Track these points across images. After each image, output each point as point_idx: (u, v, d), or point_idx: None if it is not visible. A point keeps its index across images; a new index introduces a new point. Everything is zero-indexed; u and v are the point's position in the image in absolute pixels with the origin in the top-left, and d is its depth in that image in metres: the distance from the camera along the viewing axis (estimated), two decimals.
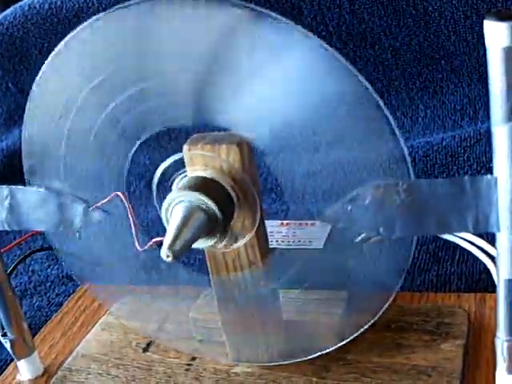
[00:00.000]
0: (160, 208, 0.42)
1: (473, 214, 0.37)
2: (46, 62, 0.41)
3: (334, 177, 0.40)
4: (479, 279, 0.57)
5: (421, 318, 0.50)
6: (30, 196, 0.45)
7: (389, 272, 0.43)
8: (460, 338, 0.48)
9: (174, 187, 0.42)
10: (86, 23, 0.39)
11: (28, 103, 0.43)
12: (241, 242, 0.43)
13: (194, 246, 0.40)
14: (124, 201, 0.45)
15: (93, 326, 0.57)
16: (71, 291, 0.66)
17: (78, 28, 0.39)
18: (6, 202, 0.45)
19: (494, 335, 0.43)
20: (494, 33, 0.33)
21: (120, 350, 0.53)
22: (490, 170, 0.36)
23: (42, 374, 0.53)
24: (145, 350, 0.52)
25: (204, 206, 0.39)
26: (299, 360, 0.47)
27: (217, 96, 0.40)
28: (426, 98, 0.80)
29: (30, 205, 0.45)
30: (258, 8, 0.36)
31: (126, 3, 0.37)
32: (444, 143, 0.75)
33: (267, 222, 0.46)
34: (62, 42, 0.40)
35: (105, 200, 0.45)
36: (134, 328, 0.54)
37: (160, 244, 0.41)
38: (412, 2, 0.81)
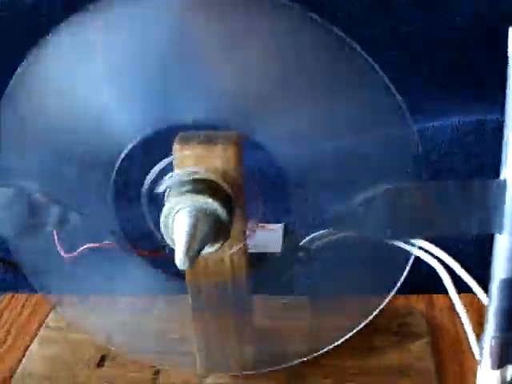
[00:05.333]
0: (147, 215, 0.40)
1: (478, 215, 0.39)
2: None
3: (338, 173, 0.40)
4: (426, 281, 0.59)
5: (381, 319, 0.51)
6: None
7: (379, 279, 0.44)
8: (424, 337, 0.49)
9: (166, 192, 0.39)
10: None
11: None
12: (237, 246, 0.41)
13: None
14: None
15: (31, 340, 0.52)
16: None
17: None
18: None
19: (448, 333, 0.46)
20: None
21: (72, 367, 0.49)
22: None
23: None
24: (99, 365, 0.49)
25: (210, 210, 0.37)
26: (273, 369, 0.47)
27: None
28: None
29: None
30: None
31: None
32: None
33: None
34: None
35: None
36: (91, 338, 0.50)
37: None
38: None
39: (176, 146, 0.40)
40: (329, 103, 0.38)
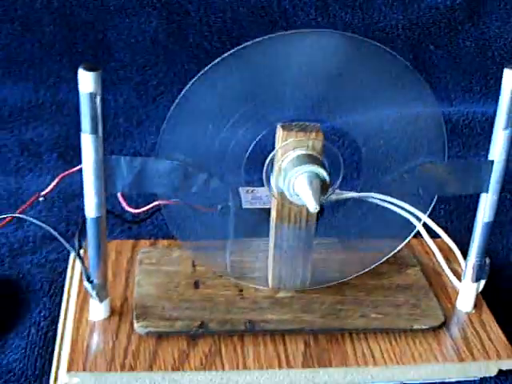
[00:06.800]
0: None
1: (474, 181, 0.61)
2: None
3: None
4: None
5: None
6: (159, 166, 0.58)
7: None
8: (417, 266, 0.72)
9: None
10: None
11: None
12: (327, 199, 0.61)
13: None
14: None
15: (126, 275, 0.69)
16: None
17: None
18: (136, 170, 0.57)
19: (427, 265, 0.71)
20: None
21: (176, 289, 0.66)
22: None
23: (111, 315, 0.64)
24: (196, 287, 0.67)
25: (320, 174, 0.57)
26: (323, 286, 0.67)
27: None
28: None
29: (157, 173, 0.58)
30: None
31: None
32: None
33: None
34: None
35: None
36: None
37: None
38: None
39: (284, 133, 0.59)
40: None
